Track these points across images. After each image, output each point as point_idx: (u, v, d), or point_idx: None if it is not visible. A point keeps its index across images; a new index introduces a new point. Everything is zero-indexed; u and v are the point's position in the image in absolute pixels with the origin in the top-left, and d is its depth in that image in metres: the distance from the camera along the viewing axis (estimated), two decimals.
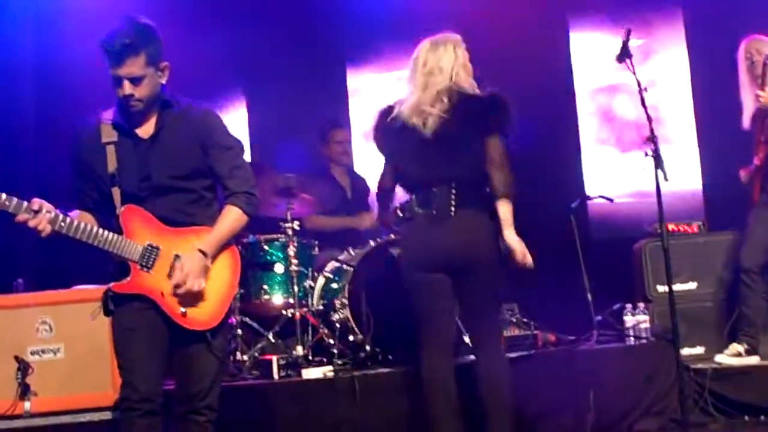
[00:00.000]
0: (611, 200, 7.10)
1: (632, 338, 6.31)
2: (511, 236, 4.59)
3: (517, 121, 4.67)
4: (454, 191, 4.57)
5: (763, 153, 5.86)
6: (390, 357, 5.79)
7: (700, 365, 5.96)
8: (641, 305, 6.40)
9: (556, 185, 7.58)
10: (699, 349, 6.29)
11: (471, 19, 8.04)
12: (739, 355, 5.89)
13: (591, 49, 8.04)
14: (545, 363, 5.83)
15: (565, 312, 6.78)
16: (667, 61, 7.91)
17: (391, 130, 4.71)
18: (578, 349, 6.08)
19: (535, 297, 6.99)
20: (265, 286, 6.19)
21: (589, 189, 7.81)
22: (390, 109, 4.77)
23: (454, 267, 4.60)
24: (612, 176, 7.93)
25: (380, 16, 7.89)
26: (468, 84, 4.71)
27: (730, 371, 5.88)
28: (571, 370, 5.79)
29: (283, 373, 5.63)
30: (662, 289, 6.21)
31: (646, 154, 5.14)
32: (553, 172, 7.67)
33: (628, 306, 6.42)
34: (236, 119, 8.39)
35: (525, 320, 6.45)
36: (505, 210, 4.62)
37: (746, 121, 6.04)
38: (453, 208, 4.56)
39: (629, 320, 6.41)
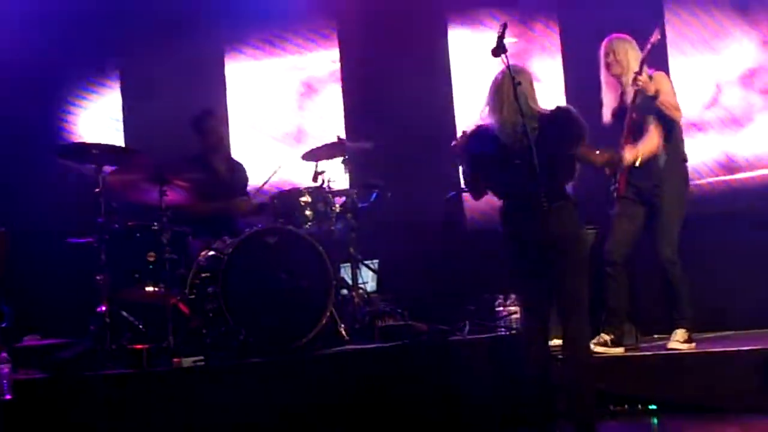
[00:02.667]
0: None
1: (503, 329, 6.41)
2: None
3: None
4: None
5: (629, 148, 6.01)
6: (264, 347, 5.73)
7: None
8: (513, 296, 6.48)
9: (434, 178, 7.64)
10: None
11: (348, 15, 8.10)
12: (605, 344, 6.03)
13: (469, 46, 8.12)
14: (417, 353, 5.85)
15: (440, 302, 6.87)
16: (542, 64, 8.03)
17: None
18: (450, 339, 6.13)
19: (409, 287, 7.09)
20: (137, 274, 6.05)
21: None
22: None
23: None
24: None
25: (257, 5, 7.83)
26: None
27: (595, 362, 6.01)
28: (444, 360, 5.84)
29: (153, 363, 5.52)
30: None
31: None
32: (431, 165, 7.73)
33: (500, 297, 6.50)
34: (110, 103, 8.20)
35: (399, 310, 6.50)
36: None
37: (607, 116, 6.19)
38: None
39: (502, 310, 6.50)
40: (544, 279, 5.10)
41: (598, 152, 5.21)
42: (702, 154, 7.51)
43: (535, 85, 5.22)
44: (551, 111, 5.14)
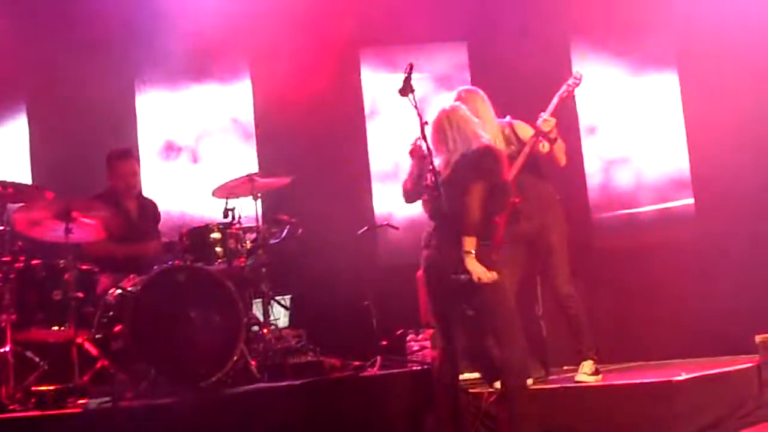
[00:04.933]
0: (397, 228, 7.25)
1: (415, 363, 6.43)
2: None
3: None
4: None
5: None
6: (174, 385, 5.66)
7: (478, 389, 6.12)
8: (425, 331, 6.53)
9: (346, 213, 7.68)
10: (476, 374, 6.47)
11: (263, 52, 8.13)
12: None
13: (381, 83, 8.22)
14: (330, 389, 5.85)
15: (352, 337, 6.89)
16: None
17: None
18: (363, 375, 6.14)
19: (322, 323, 7.09)
20: (42, 313, 5.93)
21: (382, 216, 7.96)
22: None
23: None
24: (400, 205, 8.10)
25: (168, 40, 7.79)
26: None
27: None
28: (356, 396, 5.85)
29: (59, 404, 5.40)
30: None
31: (427, 184, 5.29)
32: (344, 200, 7.78)
33: (412, 332, 6.54)
34: (15, 135, 8.04)
35: (311, 346, 6.49)
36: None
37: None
38: None
39: (413, 345, 6.53)
40: (458, 310, 5.23)
41: None
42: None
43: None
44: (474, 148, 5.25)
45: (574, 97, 6.30)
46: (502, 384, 5.41)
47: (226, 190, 6.74)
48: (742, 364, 6.16)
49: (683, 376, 5.67)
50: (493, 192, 5.22)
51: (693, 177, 7.81)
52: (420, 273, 6.77)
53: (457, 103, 5.54)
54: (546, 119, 6.04)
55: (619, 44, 7.91)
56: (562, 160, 6.16)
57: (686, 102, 7.83)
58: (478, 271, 5.11)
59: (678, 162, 7.88)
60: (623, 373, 6.39)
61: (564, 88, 6.17)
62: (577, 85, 6.18)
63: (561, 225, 6.17)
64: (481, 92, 6.07)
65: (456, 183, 5.18)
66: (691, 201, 7.83)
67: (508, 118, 6.15)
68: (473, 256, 5.12)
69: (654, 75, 7.95)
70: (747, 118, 7.30)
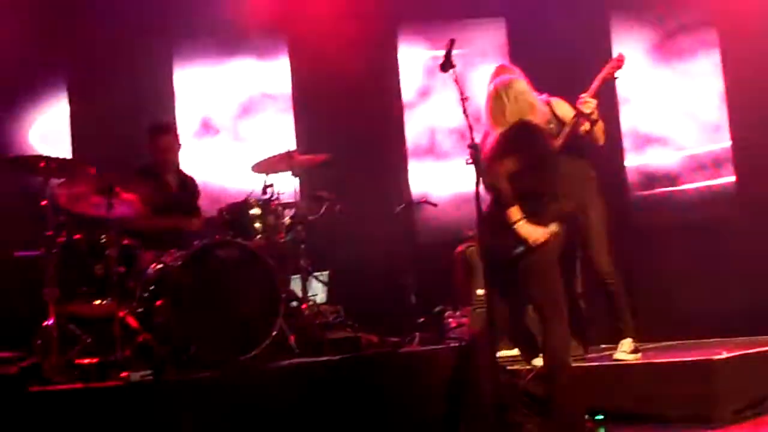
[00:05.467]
0: (435, 204, 7.25)
1: (453, 340, 6.44)
2: None
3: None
4: None
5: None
6: (214, 360, 5.71)
7: (517, 366, 6.13)
8: (463, 308, 6.53)
9: (384, 191, 7.69)
10: (515, 351, 6.47)
11: (301, 28, 8.12)
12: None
13: (418, 60, 8.19)
14: (367, 365, 5.87)
15: (390, 314, 6.91)
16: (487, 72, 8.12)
17: None
18: (401, 351, 6.15)
19: (360, 299, 7.11)
20: (85, 288, 5.99)
21: (417, 194, 7.96)
22: None
23: None
24: (437, 182, 8.10)
25: (206, 13, 7.80)
26: None
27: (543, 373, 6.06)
28: (394, 372, 5.86)
29: (101, 377, 5.47)
30: (481, 292, 6.35)
31: (467, 162, 5.25)
32: (382, 178, 7.79)
33: (450, 308, 6.54)
34: (57, 113, 8.12)
35: (349, 322, 6.52)
36: None
37: None
38: None
39: (451, 322, 6.54)
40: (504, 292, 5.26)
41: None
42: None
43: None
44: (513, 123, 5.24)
45: (615, 78, 6.24)
46: (544, 362, 5.40)
47: (265, 166, 6.76)
48: None
49: (724, 355, 5.64)
50: (534, 167, 5.19)
51: (734, 154, 7.74)
52: (459, 249, 6.82)
53: (515, 75, 5.50)
54: (587, 100, 6.00)
55: (660, 21, 7.83)
56: (601, 139, 6.13)
57: (728, 79, 7.74)
58: (534, 234, 5.10)
59: (718, 139, 7.81)
60: (662, 351, 6.36)
61: (606, 69, 6.12)
62: (619, 67, 6.12)
63: (598, 202, 6.15)
64: (516, 70, 6.04)
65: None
66: (732, 179, 7.76)
67: (545, 96, 6.12)
68: (524, 222, 5.10)
69: (695, 52, 7.86)
70: None
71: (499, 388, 5.42)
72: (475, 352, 5.78)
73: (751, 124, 7.48)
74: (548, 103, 6.09)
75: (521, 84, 5.39)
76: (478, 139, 5.16)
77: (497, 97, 5.30)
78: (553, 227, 5.14)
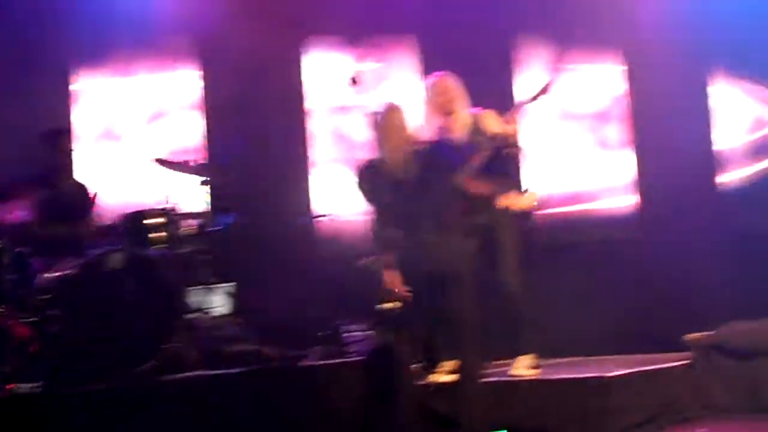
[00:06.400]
0: (339, 219, 7.23)
1: (354, 354, 6.42)
2: None
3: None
4: None
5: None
6: (108, 372, 5.60)
7: (422, 380, 6.11)
8: (365, 322, 6.52)
9: (286, 203, 7.64)
10: (421, 364, 6.46)
11: (203, 33, 8.03)
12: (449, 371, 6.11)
13: (325, 70, 8.16)
14: (267, 378, 5.82)
15: (292, 327, 6.86)
16: (400, 86, 8.16)
17: None
18: (302, 365, 6.12)
19: (262, 312, 7.04)
20: None
21: (321, 207, 7.91)
22: None
23: None
24: (342, 194, 8.06)
25: (109, 19, 7.66)
26: None
27: (444, 387, 6.07)
28: (294, 386, 5.82)
29: None
30: (387, 306, 6.32)
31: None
32: (287, 190, 7.74)
33: (352, 322, 6.52)
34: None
35: (250, 335, 6.45)
36: None
37: None
38: None
39: (352, 336, 6.52)
40: (427, 307, 5.28)
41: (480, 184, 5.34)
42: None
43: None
44: (429, 143, 5.33)
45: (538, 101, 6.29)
46: (459, 375, 5.42)
47: (169, 166, 6.69)
48: (676, 361, 6.25)
49: (617, 372, 5.73)
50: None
51: (638, 176, 7.90)
52: (361, 263, 6.81)
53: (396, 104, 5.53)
54: (509, 120, 6.04)
55: (567, 39, 7.97)
56: (520, 163, 6.20)
57: (634, 99, 7.91)
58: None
59: (623, 161, 7.97)
60: (559, 368, 6.42)
61: (534, 94, 6.18)
62: (545, 93, 6.20)
63: (510, 221, 6.17)
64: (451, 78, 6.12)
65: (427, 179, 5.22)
66: (634, 200, 7.92)
67: (477, 109, 6.16)
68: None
69: (600, 69, 8.02)
70: (691, 117, 7.45)
71: (406, 403, 5.43)
72: (379, 366, 5.77)
73: (654, 145, 7.65)
74: (475, 116, 6.13)
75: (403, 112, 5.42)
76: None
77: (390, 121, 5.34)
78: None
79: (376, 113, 5.23)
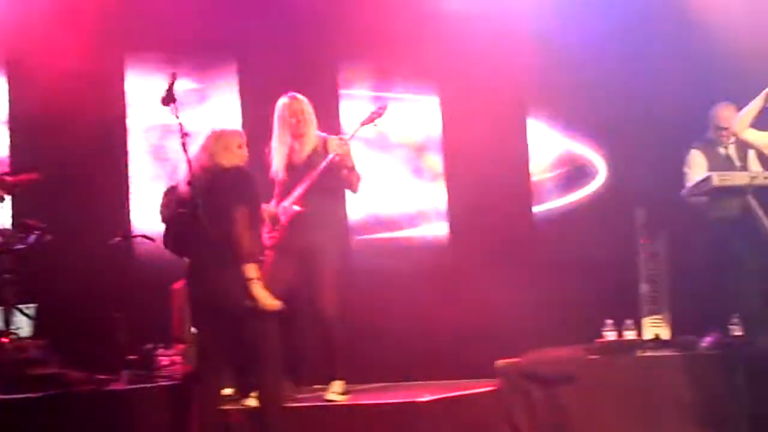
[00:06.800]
0: (152, 239, 7.08)
1: (164, 379, 6.30)
2: None
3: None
4: None
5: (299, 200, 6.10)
6: None
7: (228, 406, 6.04)
8: (176, 346, 6.41)
9: (101, 222, 7.43)
10: (229, 390, 6.39)
11: (21, 48, 7.74)
12: None
13: (146, 89, 8.01)
14: (71, 402, 5.62)
15: (100, 350, 6.66)
16: (220, 106, 8.11)
17: None
18: (108, 389, 5.95)
19: (69, 334, 6.81)
20: None
21: (140, 226, 7.73)
22: None
23: None
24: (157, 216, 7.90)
25: None
26: None
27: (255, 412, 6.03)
28: (101, 410, 5.65)
29: None
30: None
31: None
32: (98, 208, 7.54)
33: (162, 346, 6.40)
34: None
35: (55, 358, 6.23)
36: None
37: (281, 172, 6.24)
38: None
39: (162, 360, 6.39)
40: (218, 336, 5.27)
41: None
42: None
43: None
44: (226, 169, 5.23)
45: (375, 126, 6.35)
46: (259, 402, 5.42)
47: None
48: (483, 387, 6.42)
49: (427, 398, 5.84)
50: (253, 212, 5.23)
51: (449, 205, 8.08)
52: (175, 286, 6.70)
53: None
54: (342, 142, 6.08)
55: (383, 71, 8.12)
56: (355, 188, 6.23)
57: (446, 127, 8.11)
58: (264, 297, 5.14)
59: (435, 189, 8.15)
60: (372, 393, 6.50)
61: (368, 116, 6.24)
62: (380, 115, 6.26)
63: (335, 246, 6.19)
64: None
65: (217, 206, 5.13)
66: (445, 227, 8.10)
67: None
68: (258, 282, 5.13)
69: (415, 99, 8.19)
70: (499, 153, 7.69)
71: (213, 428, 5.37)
72: (189, 391, 5.68)
73: (463, 177, 7.86)
74: (323, 139, 6.17)
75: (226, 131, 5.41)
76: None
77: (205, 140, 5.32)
78: (278, 303, 5.24)
79: (187, 134, 5.17)
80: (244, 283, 5.13)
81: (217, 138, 5.32)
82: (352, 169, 6.13)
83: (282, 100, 6.25)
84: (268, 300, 5.18)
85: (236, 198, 5.15)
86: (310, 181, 6.06)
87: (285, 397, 5.52)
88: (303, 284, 6.19)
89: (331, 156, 6.06)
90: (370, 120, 6.26)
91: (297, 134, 6.21)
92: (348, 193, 6.46)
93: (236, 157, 5.32)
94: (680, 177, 6.77)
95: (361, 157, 6.45)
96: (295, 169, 6.18)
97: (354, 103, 8.11)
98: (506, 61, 7.69)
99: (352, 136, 6.20)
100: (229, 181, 5.21)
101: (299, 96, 6.26)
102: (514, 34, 7.65)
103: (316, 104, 6.28)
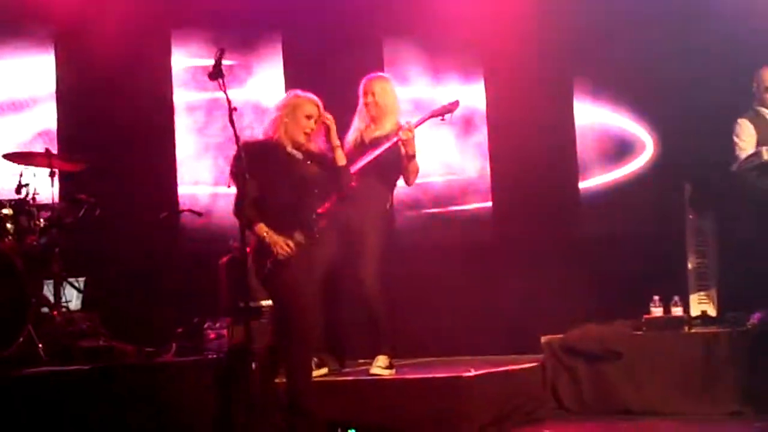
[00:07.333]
0: (200, 214, 7.14)
1: (211, 352, 6.36)
2: None
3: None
4: None
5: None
6: None
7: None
8: (223, 319, 6.47)
9: (148, 197, 7.51)
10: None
11: (69, 25, 7.81)
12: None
13: (192, 65, 8.06)
14: (120, 374, 5.69)
15: (148, 323, 6.75)
16: (265, 80, 8.12)
17: None
18: (155, 362, 6.02)
19: (116, 307, 6.90)
20: None
21: (183, 201, 7.80)
22: None
23: None
24: (204, 191, 7.97)
25: None
26: None
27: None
28: (149, 382, 5.73)
29: None
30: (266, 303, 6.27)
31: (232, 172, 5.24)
32: (146, 183, 7.61)
33: (209, 320, 6.46)
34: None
35: (104, 331, 6.31)
36: None
37: (349, 146, 6.20)
38: None
39: (210, 334, 6.45)
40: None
41: None
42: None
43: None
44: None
45: (443, 120, 6.28)
46: (286, 376, 5.41)
47: (20, 158, 6.50)
48: (528, 363, 6.42)
49: (472, 373, 5.84)
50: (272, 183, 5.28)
51: (493, 181, 8.05)
52: (222, 261, 6.75)
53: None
54: (407, 129, 6.01)
55: (429, 48, 8.08)
56: (411, 180, 6.20)
57: (490, 109, 8.06)
58: (279, 243, 5.18)
59: (479, 166, 8.12)
60: (417, 368, 6.51)
61: (438, 109, 6.18)
62: (451, 111, 6.19)
63: (381, 226, 6.18)
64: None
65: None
66: (489, 204, 8.08)
67: None
68: (271, 233, 5.18)
69: (460, 81, 8.15)
70: (545, 128, 7.63)
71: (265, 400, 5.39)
72: (237, 365, 5.72)
73: (509, 152, 7.82)
74: (399, 127, 6.09)
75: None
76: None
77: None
78: (298, 237, 5.20)
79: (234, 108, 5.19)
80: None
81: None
82: (412, 157, 6.06)
83: (368, 78, 6.25)
84: (280, 243, 5.18)
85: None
86: (370, 159, 6.06)
87: (310, 368, 5.50)
88: (348, 259, 6.20)
89: (395, 139, 6.04)
90: (440, 113, 6.19)
91: (370, 115, 6.21)
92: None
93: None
94: (729, 152, 6.66)
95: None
96: (362, 147, 6.19)
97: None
98: (552, 36, 7.63)
99: (419, 123, 6.13)
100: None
101: (376, 75, 6.28)
102: (560, 9, 7.58)
103: (359, 81, 6.26)
